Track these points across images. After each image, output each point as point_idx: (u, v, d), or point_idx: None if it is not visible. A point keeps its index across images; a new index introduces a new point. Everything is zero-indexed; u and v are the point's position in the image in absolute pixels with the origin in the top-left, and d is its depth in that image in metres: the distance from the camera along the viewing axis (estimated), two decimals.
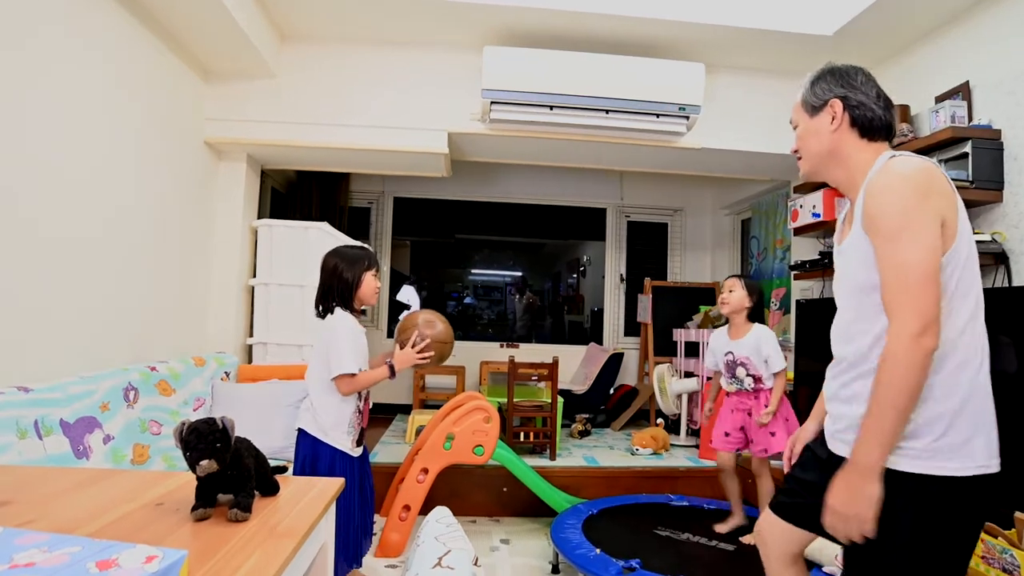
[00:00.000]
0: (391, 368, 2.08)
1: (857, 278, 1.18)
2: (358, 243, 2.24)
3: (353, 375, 1.98)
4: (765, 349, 2.57)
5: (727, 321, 2.72)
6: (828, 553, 2.19)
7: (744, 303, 2.61)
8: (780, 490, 1.46)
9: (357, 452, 2.09)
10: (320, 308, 2.06)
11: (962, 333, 1.11)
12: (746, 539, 2.51)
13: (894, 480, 1.09)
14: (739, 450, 2.68)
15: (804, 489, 1.34)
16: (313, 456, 2.03)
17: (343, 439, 2.03)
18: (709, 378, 2.97)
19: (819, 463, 1.32)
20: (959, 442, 1.09)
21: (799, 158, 1.32)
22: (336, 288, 2.03)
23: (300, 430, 2.08)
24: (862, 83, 1.23)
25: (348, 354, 1.97)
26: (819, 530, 1.30)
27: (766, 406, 2.57)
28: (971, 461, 1.09)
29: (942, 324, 1.07)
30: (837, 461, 1.20)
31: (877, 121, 1.21)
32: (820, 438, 1.37)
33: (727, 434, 2.67)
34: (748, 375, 2.61)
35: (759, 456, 2.59)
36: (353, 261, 2.05)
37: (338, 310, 2.03)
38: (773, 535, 1.40)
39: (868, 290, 1.15)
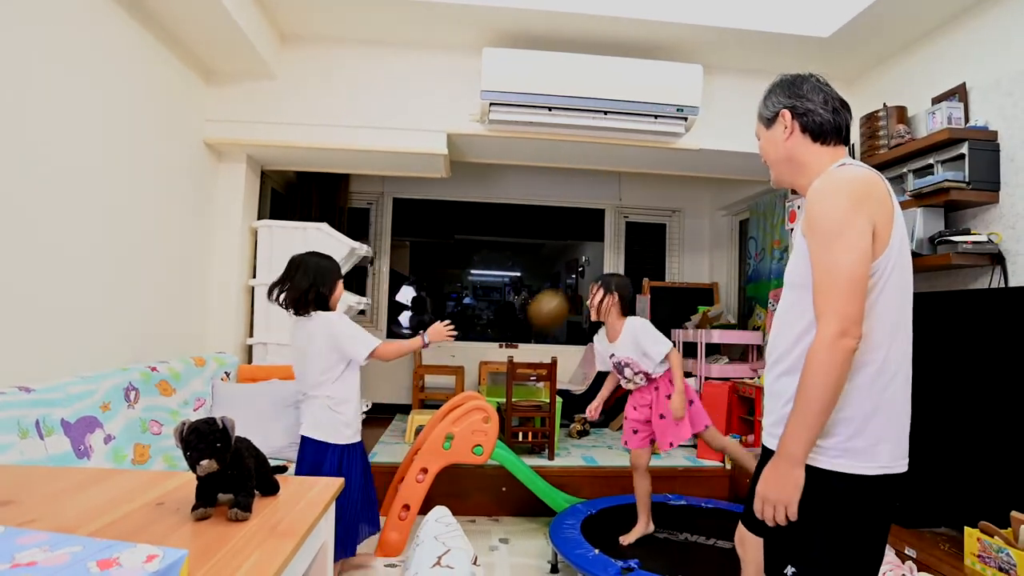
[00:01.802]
0: (424, 338, 2.28)
1: (792, 274, 1.25)
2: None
3: (379, 345, 2.13)
4: (642, 342, 2.51)
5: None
6: None
7: (609, 304, 2.57)
8: (746, 500, 1.50)
9: (354, 439, 2.23)
10: (298, 306, 2.14)
11: (881, 343, 1.15)
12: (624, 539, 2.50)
13: (809, 475, 1.15)
14: (653, 441, 2.60)
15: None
16: (316, 463, 2.11)
17: (358, 431, 2.19)
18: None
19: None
20: (866, 446, 1.15)
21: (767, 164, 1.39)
22: (318, 288, 2.13)
23: (304, 437, 2.15)
24: (809, 91, 1.29)
25: (362, 332, 2.13)
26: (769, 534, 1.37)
27: (668, 396, 2.51)
28: (875, 462, 1.15)
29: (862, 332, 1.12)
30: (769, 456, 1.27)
31: (827, 125, 1.26)
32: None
33: (635, 431, 2.62)
34: (636, 373, 2.58)
35: (665, 450, 2.56)
36: (330, 266, 2.19)
37: (321, 312, 2.15)
38: (748, 545, 1.46)
39: (799, 288, 1.21)
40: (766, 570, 1.29)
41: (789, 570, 1.21)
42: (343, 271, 3.63)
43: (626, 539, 2.52)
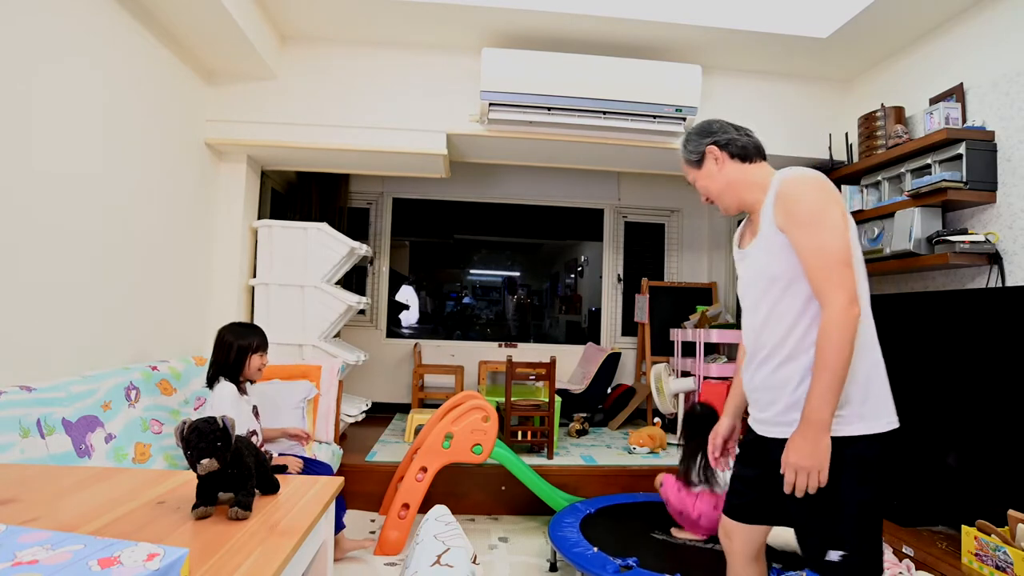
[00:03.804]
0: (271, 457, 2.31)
1: (769, 271, 1.36)
2: (251, 324, 2.43)
3: None
4: None
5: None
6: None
7: None
8: (729, 493, 1.57)
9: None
10: (208, 379, 2.26)
11: (866, 312, 1.31)
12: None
13: (835, 445, 1.25)
14: None
15: (748, 487, 1.49)
16: None
17: None
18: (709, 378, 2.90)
19: (756, 457, 1.46)
20: (873, 406, 1.29)
21: (711, 203, 1.56)
22: (224, 364, 2.24)
23: None
24: (719, 129, 1.50)
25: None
26: (771, 520, 1.48)
27: None
28: (883, 419, 1.29)
29: None
30: (775, 447, 1.35)
31: (749, 147, 1.48)
32: (750, 434, 1.50)
33: None
34: None
35: None
36: (242, 341, 2.26)
37: (223, 381, 2.21)
38: (736, 536, 1.53)
39: (781, 280, 1.34)
40: (807, 560, 1.34)
41: (834, 555, 1.27)
42: (343, 271, 3.66)
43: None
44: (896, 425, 1.30)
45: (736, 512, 1.53)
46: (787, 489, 1.28)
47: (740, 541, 1.52)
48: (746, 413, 1.55)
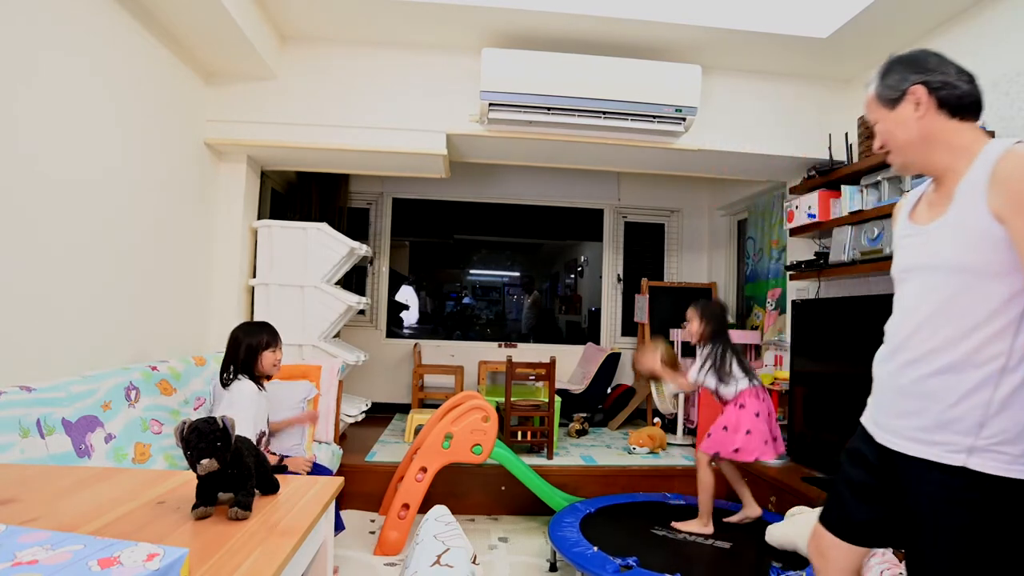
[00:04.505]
0: (280, 459, 2.34)
1: (959, 259, 1.10)
2: (262, 322, 2.46)
3: None
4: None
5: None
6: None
7: (701, 330, 2.79)
8: (829, 500, 1.36)
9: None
10: (223, 377, 2.29)
11: None
12: (677, 525, 2.63)
13: (981, 483, 1.05)
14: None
15: (861, 498, 1.27)
16: None
17: None
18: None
19: (867, 465, 1.26)
20: None
21: (887, 153, 1.26)
22: (239, 360, 2.27)
23: None
24: (938, 64, 1.18)
25: (248, 424, 2.17)
26: (885, 542, 1.26)
27: (740, 405, 2.65)
28: None
29: None
30: (906, 467, 1.15)
31: (967, 98, 1.16)
32: (865, 435, 1.28)
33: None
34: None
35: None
36: (251, 340, 2.29)
37: (244, 379, 2.25)
38: (830, 555, 1.31)
39: (971, 273, 1.08)
40: None
41: None
42: (343, 271, 3.66)
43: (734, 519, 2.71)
44: None
45: (839, 527, 1.29)
46: None
47: (837, 564, 1.30)
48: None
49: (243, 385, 2.23)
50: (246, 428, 2.14)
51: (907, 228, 1.25)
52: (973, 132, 1.16)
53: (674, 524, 2.63)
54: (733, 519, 2.72)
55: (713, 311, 2.80)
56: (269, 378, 2.38)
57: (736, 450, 2.58)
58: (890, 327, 1.25)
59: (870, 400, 1.30)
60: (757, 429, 2.59)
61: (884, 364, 1.24)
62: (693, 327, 2.79)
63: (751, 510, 2.73)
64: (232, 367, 2.28)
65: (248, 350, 2.27)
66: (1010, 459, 1.04)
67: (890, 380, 1.21)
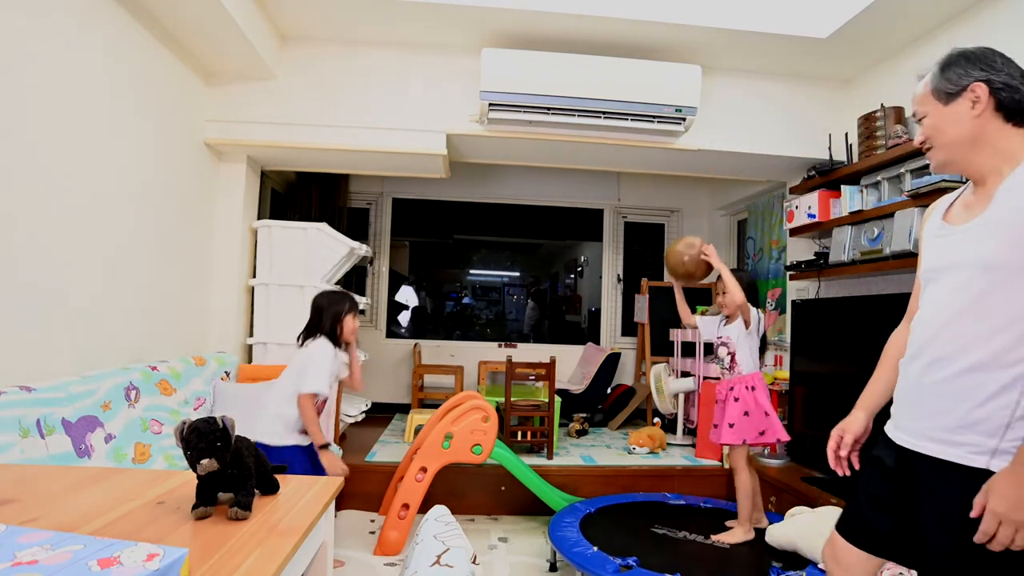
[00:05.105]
0: (324, 447, 2.31)
1: (993, 257, 1.09)
2: (342, 290, 2.55)
3: (315, 396, 2.25)
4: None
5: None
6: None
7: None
8: (846, 508, 1.34)
9: (306, 441, 2.35)
10: (302, 338, 2.36)
11: None
12: (718, 537, 2.51)
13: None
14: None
15: (878, 507, 1.25)
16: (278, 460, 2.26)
17: (299, 436, 2.30)
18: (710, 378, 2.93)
19: (886, 471, 1.24)
20: None
21: (927, 148, 1.23)
22: (325, 328, 2.34)
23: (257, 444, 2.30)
24: (1003, 64, 1.14)
25: (326, 376, 2.26)
26: (902, 556, 1.23)
27: (735, 399, 2.56)
28: None
29: None
30: (923, 469, 1.14)
31: None
32: (886, 441, 1.26)
33: (716, 425, 2.67)
34: (727, 354, 2.65)
35: (718, 442, 2.63)
36: (336, 307, 2.37)
37: (322, 338, 2.32)
38: (847, 563, 1.29)
39: (1004, 271, 1.07)
40: None
41: None
42: (343, 271, 3.66)
43: (726, 538, 2.51)
44: None
45: (857, 536, 1.27)
46: (980, 538, 1.02)
47: (852, 572, 1.27)
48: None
49: (323, 343, 2.31)
50: (322, 382, 2.24)
51: (940, 228, 1.22)
52: (1022, 139, 1.13)
53: (714, 537, 2.50)
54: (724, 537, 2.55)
55: (743, 278, 2.65)
56: (348, 345, 2.44)
57: (762, 432, 2.51)
58: (916, 326, 1.23)
59: (893, 406, 1.27)
60: (772, 410, 2.54)
61: (910, 364, 1.22)
62: (733, 295, 2.57)
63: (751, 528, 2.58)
64: (315, 331, 2.34)
65: (333, 318, 2.35)
66: None
67: (916, 380, 1.19)
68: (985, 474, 1.05)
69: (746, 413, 2.53)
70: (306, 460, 2.29)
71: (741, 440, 2.53)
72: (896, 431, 1.23)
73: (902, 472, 1.20)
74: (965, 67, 1.15)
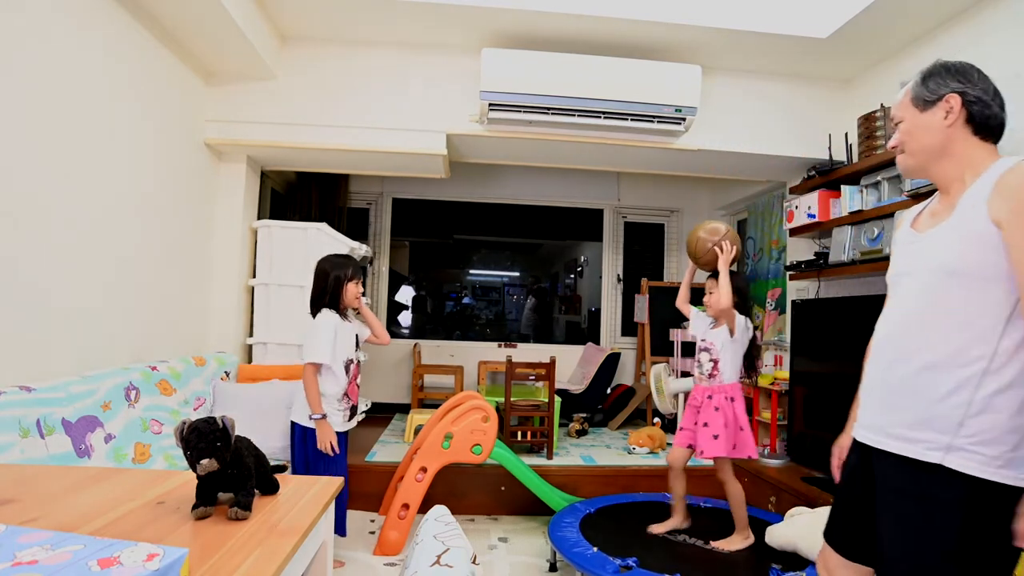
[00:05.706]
0: (322, 417, 2.32)
1: (955, 263, 1.13)
2: (345, 254, 2.57)
3: (317, 366, 2.28)
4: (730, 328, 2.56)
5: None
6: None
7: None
8: (830, 515, 1.37)
9: (347, 427, 2.44)
10: (313, 309, 2.38)
11: None
12: (717, 544, 2.48)
13: (955, 482, 1.08)
14: (691, 446, 2.58)
15: (855, 511, 1.28)
16: (303, 439, 2.34)
17: (335, 416, 2.36)
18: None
19: (856, 474, 1.27)
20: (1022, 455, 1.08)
21: (900, 152, 1.28)
22: (325, 292, 2.36)
23: (292, 423, 2.40)
24: (979, 79, 1.21)
25: (323, 345, 2.28)
26: (872, 562, 1.25)
27: (716, 408, 2.50)
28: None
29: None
30: (883, 465, 1.17)
31: (994, 120, 1.19)
32: (854, 444, 1.30)
33: (682, 428, 2.63)
34: (709, 360, 2.58)
35: (699, 458, 2.55)
36: (339, 271, 2.38)
37: (325, 310, 2.35)
38: (836, 571, 1.32)
39: (966, 276, 1.11)
40: None
41: None
42: None
43: (657, 528, 2.59)
44: None
45: (841, 545, 1.30)
46: (1020, 543, 1.04)
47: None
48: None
49: (323, 315, 2.33)
50: (323, 353, 2.27)
51: (908, 235, 1.29)
52: (988, 153, 1.18)
53: (714, 544, 2.48)
54: (658, 529, 2.60)
55: (739, 284, 2.58)
56: (355, 310, 2.48)
57: (734, 447, 2.49)
58: (880, 326, 1.29)
59: (860, 406, 1.31)
60: (747, 425, 2.52)
61: (874, 363, 1.28)
62: (719, 298, 2.51)
63: (680, 519, 2.64)
64: (315, 302, 2.37)
65: (336, 282, 2.36)
66: (985, 460, 1.07)
67: (879, 377, 1.25)
68: (938, 469, 1.09)
69: (726, 426, 2.50)
70: (342, 442, 2.37)
71: (725, 452, 2.50)
72: (860, 428, 1.28)
73: (865, 471, 1.24)
74: (944, 78, 1.22)
